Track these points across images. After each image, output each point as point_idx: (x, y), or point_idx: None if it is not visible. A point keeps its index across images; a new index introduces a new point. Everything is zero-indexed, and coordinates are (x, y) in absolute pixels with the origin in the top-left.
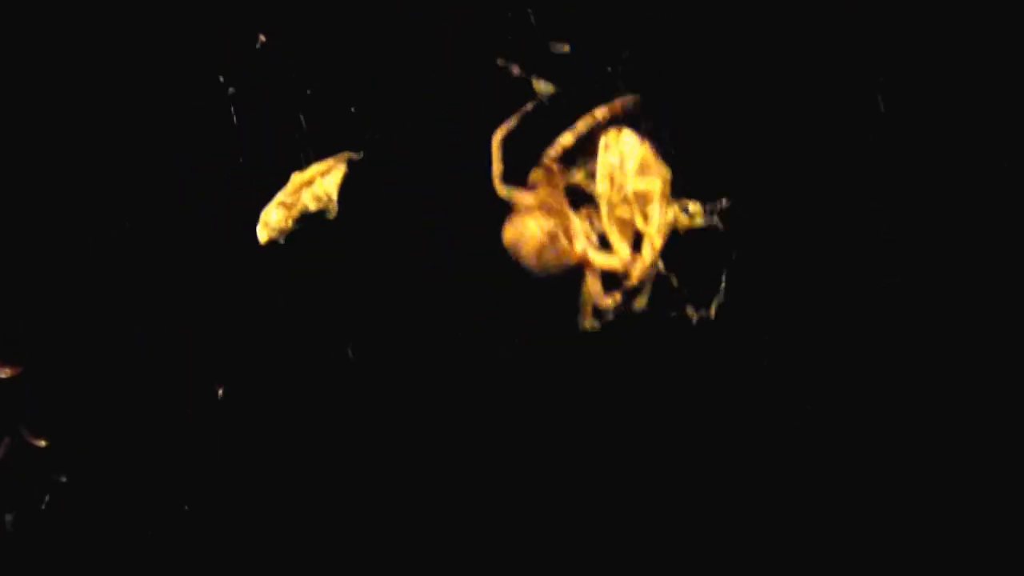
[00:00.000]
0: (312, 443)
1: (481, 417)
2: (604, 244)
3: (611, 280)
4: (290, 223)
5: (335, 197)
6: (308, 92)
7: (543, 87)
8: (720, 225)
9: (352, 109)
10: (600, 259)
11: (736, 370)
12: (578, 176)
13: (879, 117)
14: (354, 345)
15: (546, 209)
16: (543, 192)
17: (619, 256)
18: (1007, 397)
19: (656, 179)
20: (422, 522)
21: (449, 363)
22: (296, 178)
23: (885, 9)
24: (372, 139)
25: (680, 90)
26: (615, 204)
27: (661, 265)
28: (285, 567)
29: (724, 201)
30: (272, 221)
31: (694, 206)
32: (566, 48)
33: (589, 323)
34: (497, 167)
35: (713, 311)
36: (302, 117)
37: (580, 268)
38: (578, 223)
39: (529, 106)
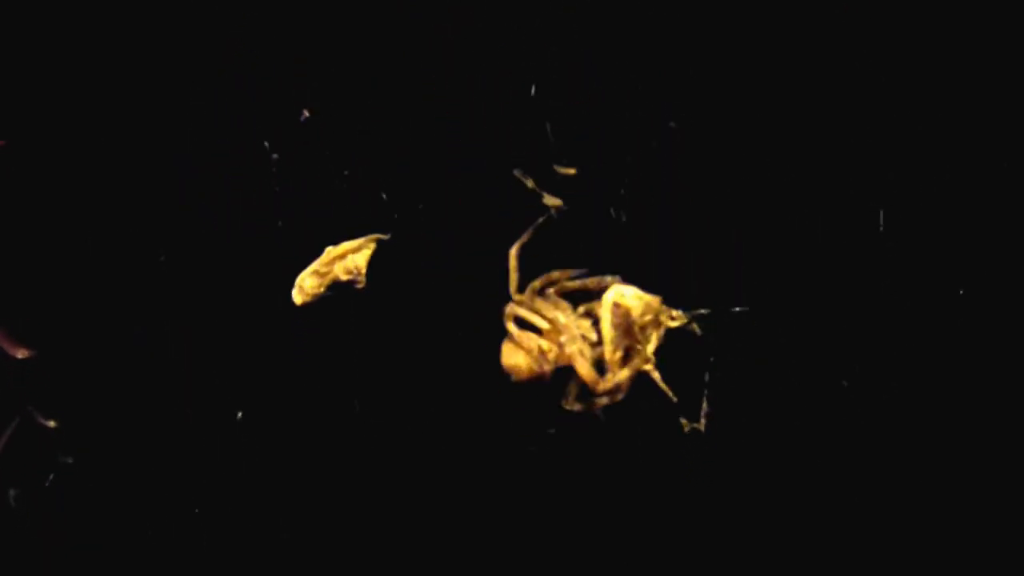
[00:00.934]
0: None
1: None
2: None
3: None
4: (322, 289)
5: (364, 271)
6: (345, 173)
7: (552, 202)
8: (698, 331)
9: (383, 195)
10: (586, 371)
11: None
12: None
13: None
14: (361, 400)
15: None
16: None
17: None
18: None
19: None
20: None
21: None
22: (330, 251)
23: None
24: (399, 223)
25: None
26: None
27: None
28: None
29: (704, 311)
30: (307, 287)
31: (677, 314)
32: (572, 171)
33: (571, 405)
34: (513, 277)
35: (703, 424)
36: (341, 191)
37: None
38: (572, 334)
39: (541, 220)
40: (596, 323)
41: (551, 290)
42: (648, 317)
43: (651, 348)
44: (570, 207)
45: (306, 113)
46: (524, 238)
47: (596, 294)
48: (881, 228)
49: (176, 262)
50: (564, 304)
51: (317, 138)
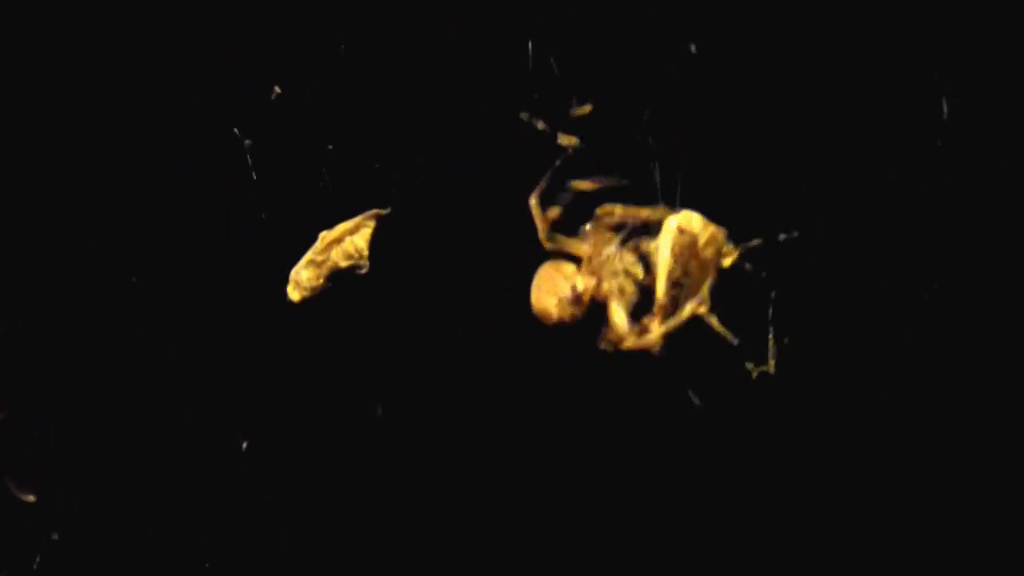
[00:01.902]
0: (336, 501)
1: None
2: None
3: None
4: (322, 280)
5: (366, 253)
6: (330, 147)
7: (568, 140)
8: (749, 267)
9: (376, 164)
10: (619, 319)
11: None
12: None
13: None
14: (384, 403)
15: (587, 267)
16: (591, 245)
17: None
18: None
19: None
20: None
21: (480, 419)
22: (325, 236)
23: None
24: (399, 194)
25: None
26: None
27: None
28: None
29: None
30: (303, 280)
31: (729, 249)
32: (588, 109)
33: (605, 344)
34: (541, 225)
35: (772, 365)
36: (325, 173)
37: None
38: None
39: (558, 162)
40: (644, 260)
41: (596, 224)
42: (710, 251)
43: (707, 287)
44: (589, 144)
45: (277, 89)
46: (542, 184)
47: (648, 230)
48: (944, 117)
49: (155, 273)
50: (610, 235)
51: (291, 115)
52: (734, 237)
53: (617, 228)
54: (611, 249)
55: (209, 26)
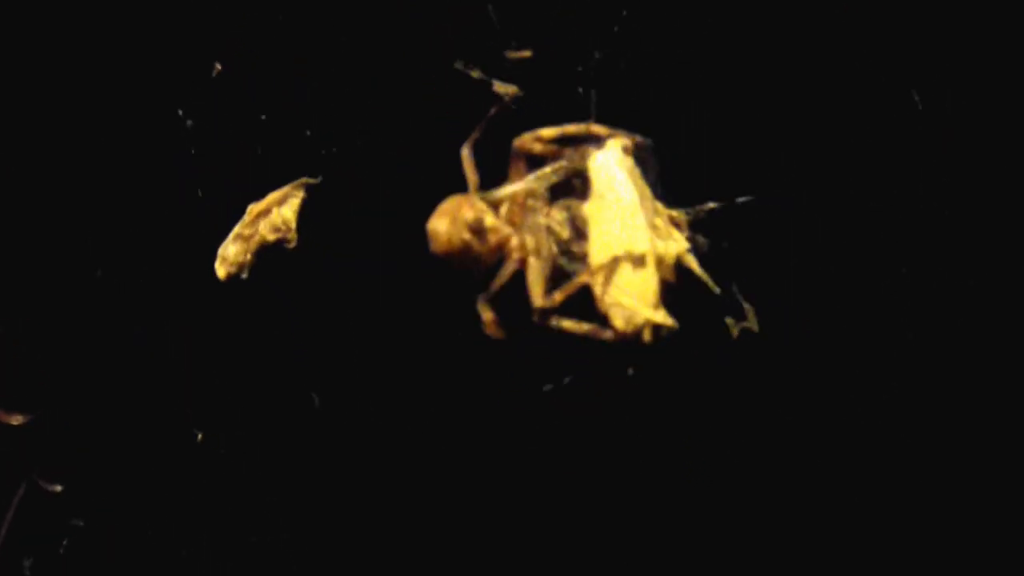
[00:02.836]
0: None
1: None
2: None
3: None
4: (249, 256)
5: (294, 226)
6: (263, 118)
7: (505, 89)
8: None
9: (308, 132)
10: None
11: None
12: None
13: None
14: (320, 387)
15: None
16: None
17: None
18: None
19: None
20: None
21: (420, 394)
22: (253, 208)
23: None
24: (330, 160)
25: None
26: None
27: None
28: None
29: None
30: (230, 255)
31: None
32: (527, 54)
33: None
34: (472, 178)
35: (754, 322)
36: (257, 146)
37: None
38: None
39: (493, 111)
40: (573, 224)
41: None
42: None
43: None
44: (528, 92)
45: (218, 67)
46: (475, 135)
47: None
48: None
49: (89, 252)
50: (542, 184)
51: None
52: (688, 200)
53: (544, 162)
54: (539, 202)
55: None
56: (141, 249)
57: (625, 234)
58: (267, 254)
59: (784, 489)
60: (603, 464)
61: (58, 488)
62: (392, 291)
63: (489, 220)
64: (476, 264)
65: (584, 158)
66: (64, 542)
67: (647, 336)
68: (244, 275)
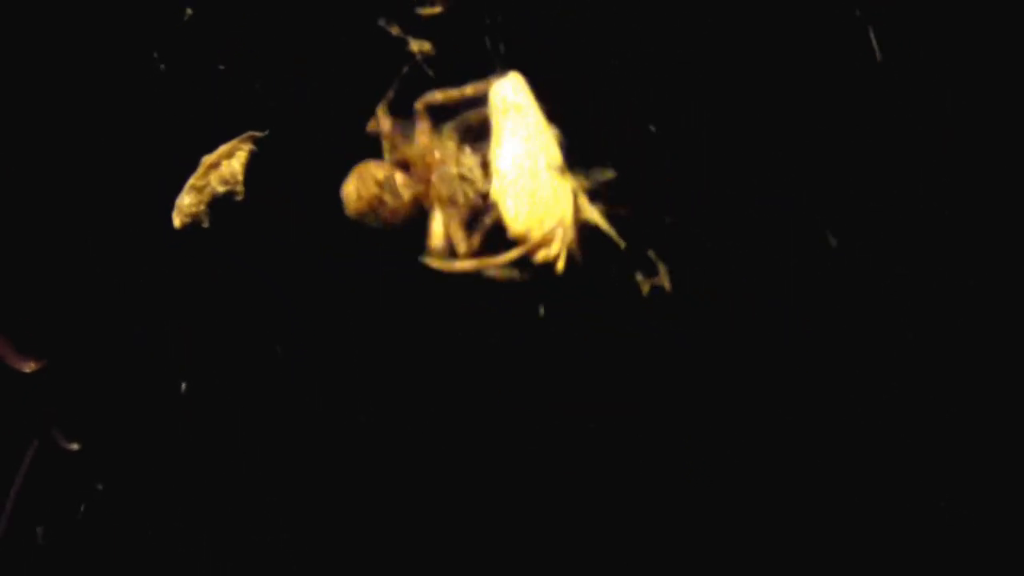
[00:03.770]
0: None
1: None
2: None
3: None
4: (202, 207)
5: (241, 179)
6: (221, 68)
7: (420, 46)
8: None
9: (256, 86)
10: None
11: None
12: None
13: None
14: (280, 339)
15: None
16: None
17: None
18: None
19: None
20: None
21: (371, 348)
22: (206, 160)
23: None
24: (274, 115)
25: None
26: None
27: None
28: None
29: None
30: (184, 206)
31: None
32: (438, 9)
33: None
34: (387, 138)
35: (666, 280)
36: (214, 98)
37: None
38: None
39: (405, 68)
40: (485, 167)
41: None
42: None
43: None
44: (441, 50)
45: (188, 11)
46: (389, 94)
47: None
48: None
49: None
50: (449, 134)
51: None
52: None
53: (444, 118)
54: (447, 150)
55: None
56: (93, 201)
57: (533, 144)
58: (219, 205)
59: (784, 488)
60: (599, 462)
61: (76, 446)
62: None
63: (400, 178)
64: (393, 219)
65: (485, 92)
66: (82, 507)
67: (556, 246)
68: (202, 224)
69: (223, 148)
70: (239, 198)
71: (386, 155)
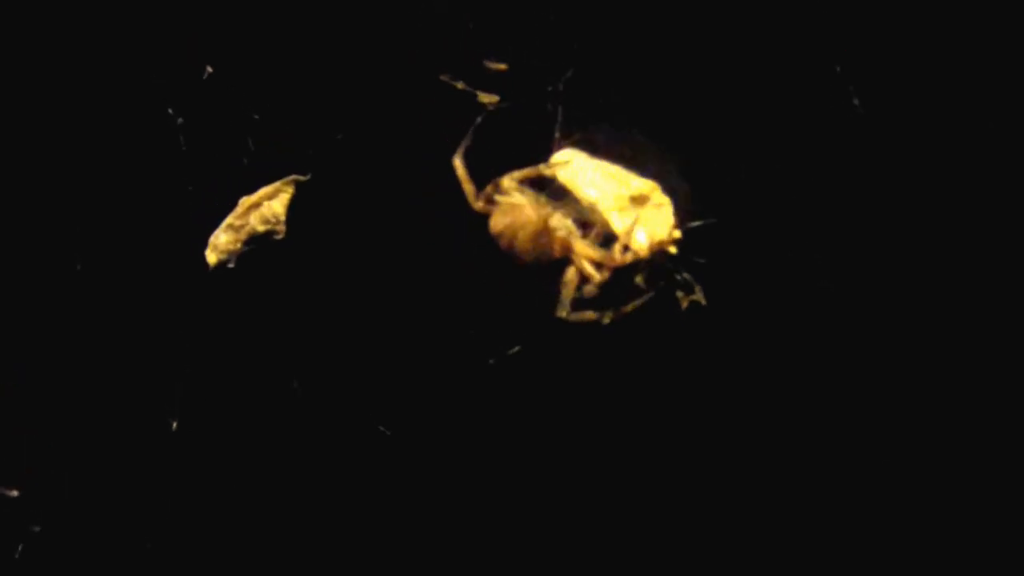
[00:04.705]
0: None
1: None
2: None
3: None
4: (239, 245)
5: (283, 218)
6: (256, 117)
7: (488, 98)
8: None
9: (297, 133)
10: (584, 247)
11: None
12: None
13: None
14: (301, 374)
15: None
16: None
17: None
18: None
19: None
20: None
21: (403, 387)
22: (245, 201)
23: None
24: (320, 160)
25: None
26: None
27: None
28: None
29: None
30: (221, 243)
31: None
32: (503, 67)
33: (564, 312)
34: (468, 187)
35: (701, 295)
36: (250, 142)
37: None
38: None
39: (479, 120)
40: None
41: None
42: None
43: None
44: (508, 101)
45: (209, 69)
46: (465, 143)
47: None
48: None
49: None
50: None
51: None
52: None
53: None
54: (548, 210)
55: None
56: (131, 239)
57: (617, 185)
58: (256, 244)
59: (783, 489)
60: (597, 461)
61: (14, 493)
62: (378, 288)
63: (555, 221)
64: (526, 251)
65: (547, 167)
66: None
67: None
68: (232, 264)
69: (265, 189)
70: (279, 236)
71: (471, 202)
